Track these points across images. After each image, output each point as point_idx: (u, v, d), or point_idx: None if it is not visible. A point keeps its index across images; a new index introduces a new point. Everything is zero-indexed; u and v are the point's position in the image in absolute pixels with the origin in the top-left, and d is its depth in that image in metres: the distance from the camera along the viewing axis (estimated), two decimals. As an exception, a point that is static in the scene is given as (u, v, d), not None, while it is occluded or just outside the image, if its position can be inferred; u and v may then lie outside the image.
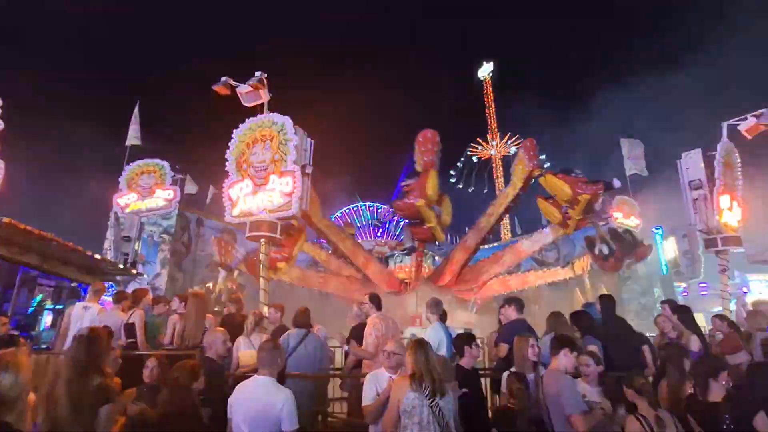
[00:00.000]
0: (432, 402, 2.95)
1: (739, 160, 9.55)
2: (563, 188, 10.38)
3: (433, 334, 4.90)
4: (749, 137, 9.19)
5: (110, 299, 7.24)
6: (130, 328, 5.66)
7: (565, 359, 3.59)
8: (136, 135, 14.01)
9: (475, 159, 42.62)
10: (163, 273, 13.95)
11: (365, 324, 5.20)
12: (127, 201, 11.75)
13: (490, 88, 43.76)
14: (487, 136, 42.84)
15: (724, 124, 9.46)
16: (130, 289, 8.14)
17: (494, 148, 42.15)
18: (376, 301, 5.35)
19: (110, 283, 11.39)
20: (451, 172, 42.64)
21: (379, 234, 31.43)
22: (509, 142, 40.80)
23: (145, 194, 11.71)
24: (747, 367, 3.86)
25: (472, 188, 42.24)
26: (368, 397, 3.52)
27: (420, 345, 3.21)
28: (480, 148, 42.70)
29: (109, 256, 11.94)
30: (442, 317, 5.21)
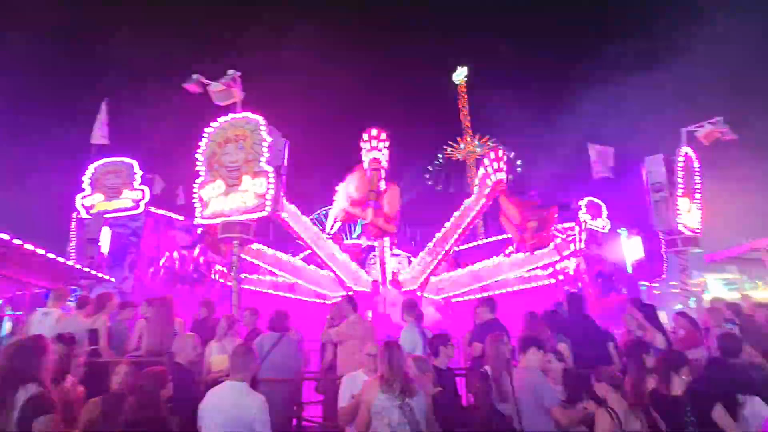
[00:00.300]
0: (402, 402, 2.96)
1: (697, 165, 10.02)
2: (513, 212, 10.38)
3: (408, 336, 4.92)
4: (706, 143, 9.66)
5: (73, 304, 6.93)
6: (93, 335, 5.44)
7: (533, 357, 3.73)
8: (103, 134, 13.47)
9: (459, 156, 43.17)
10: (131, 277, 13.39)
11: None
12: (92, 201, 11.32)
13: (465, 92, 44.58)
14: (465, 137, 43.58)
15: (684, 131, 9.92)
16: (96, 294, 7.80)
17: (470, 148, 42.82)
18: (351, 302, 5.36)
19: (74, 287, 10.89)
20: (429, 167, 43.27)
21: (355, 236, 31.30)
22: (491, 142, 41.42)
23: (112, 195, 11.30)
24: (706, 362, 4.06)
25: (440, 187, 42.80)
26: (344, 399, 3.51)
27: (389, 346, 3.22)
28: (462, 146, 43.33)
29: (74, 259, 11.40)
30: (418, 318, 5.25)
